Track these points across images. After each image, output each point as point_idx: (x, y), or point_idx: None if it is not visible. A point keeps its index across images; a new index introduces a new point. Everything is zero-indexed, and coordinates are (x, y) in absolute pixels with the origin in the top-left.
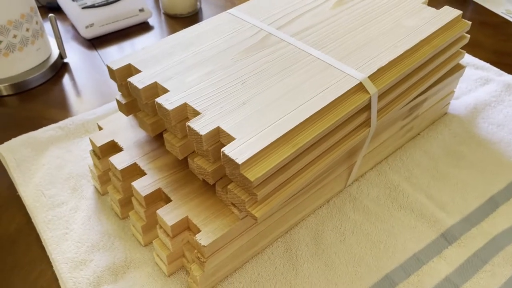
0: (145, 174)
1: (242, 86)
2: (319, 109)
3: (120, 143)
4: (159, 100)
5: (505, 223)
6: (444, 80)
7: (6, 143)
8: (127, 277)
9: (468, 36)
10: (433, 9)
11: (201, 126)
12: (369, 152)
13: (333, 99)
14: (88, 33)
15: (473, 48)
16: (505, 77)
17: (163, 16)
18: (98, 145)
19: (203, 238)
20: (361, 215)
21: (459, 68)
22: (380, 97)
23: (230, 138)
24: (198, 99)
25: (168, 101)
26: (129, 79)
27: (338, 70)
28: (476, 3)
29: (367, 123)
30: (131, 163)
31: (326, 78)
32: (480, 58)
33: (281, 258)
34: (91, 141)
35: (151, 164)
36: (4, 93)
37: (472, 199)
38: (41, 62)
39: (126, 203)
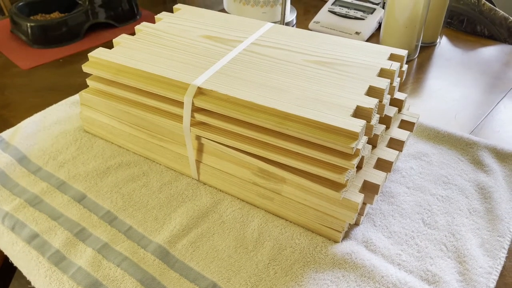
0: None
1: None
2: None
3: None
4: None
5: None
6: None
7: None
8: None
9: (353, 164)
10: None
11: None
12: (208, 170)
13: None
14: (312, 26)
15: None
16: None
17: None
18: None
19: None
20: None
21: (337, 186)
22: (203, 113)
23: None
24: None
25: None
26: None
27: (200, 71)
28: None
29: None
30: None
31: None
32: None
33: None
34: None
35: None
36: None
37: None
38: None
39: None
